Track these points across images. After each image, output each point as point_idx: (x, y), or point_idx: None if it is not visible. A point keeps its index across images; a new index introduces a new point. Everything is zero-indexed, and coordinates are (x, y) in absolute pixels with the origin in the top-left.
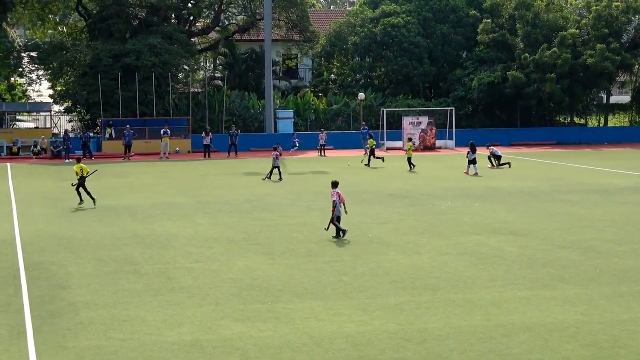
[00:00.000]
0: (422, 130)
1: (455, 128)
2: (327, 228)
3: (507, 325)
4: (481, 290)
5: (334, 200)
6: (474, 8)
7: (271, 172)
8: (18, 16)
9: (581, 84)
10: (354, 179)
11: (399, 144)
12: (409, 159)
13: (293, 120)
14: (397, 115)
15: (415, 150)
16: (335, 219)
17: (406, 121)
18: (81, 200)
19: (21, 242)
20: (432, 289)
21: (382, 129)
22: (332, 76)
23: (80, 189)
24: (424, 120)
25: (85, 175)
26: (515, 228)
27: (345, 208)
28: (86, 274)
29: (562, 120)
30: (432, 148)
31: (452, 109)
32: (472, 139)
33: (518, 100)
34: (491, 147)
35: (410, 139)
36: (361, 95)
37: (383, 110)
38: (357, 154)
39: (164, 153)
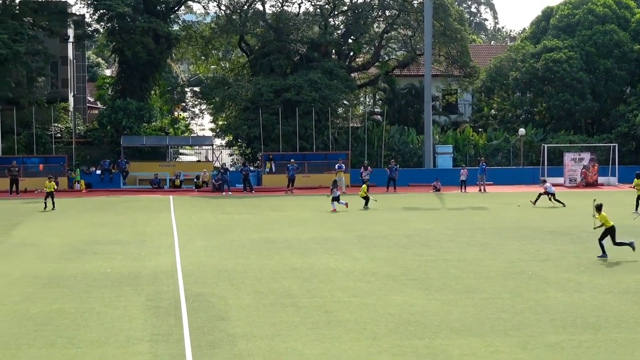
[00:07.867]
0: (584, 167)
1: (619, 164)
2: None
3: None
4: None
5: None
6: (638, 43)
7: None
8: (182, 52)
9: None
10: (513, 215)
11: (559, 180)
12: (366, 198)
13: (452, 155)
14: (558, 152)
15: (577, 186)
16: None
17: (567, 157)
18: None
19: (182, 274)
20: (594, 328)
21: (543, 165)
22: (492, 111)
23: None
24: (586, 156)
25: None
26: None
27: None
28: (245, 306)
29: None
30: (594, 185)
31: (615, 145)
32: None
33: None
34: (546, 184)
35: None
36: (522, 130)
37: (544, 146)
38: (517, 190)
39: (340, 187)
